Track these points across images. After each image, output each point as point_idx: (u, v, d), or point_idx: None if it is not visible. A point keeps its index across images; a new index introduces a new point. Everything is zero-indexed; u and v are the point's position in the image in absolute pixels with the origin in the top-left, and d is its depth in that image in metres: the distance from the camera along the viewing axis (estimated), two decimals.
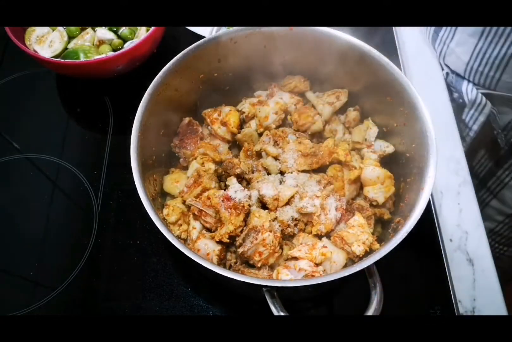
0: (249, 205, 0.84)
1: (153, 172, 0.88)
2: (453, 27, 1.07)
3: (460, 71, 1.14)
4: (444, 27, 1.11)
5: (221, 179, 0.93)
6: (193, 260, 0.68)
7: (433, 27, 1.17)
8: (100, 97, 1.20)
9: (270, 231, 0.80)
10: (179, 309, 0.91)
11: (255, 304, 0.86)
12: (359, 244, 0.78)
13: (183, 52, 0.89)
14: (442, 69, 1.22)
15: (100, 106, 1.18)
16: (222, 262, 0.85)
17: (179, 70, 0.89)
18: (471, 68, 1.09)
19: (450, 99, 1.19)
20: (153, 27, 1.09)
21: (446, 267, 0.95)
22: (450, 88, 1.21)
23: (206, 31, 1.17)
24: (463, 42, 1.07)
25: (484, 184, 1.38)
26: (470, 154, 1.14)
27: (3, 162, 1.11)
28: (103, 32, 1.17)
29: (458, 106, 1.19)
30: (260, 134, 0.97)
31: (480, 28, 1.00)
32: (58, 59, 1.09)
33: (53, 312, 0.92)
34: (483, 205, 1.40)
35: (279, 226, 0.83)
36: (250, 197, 0.85)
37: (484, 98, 1.11)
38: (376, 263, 0.68)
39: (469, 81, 1.14)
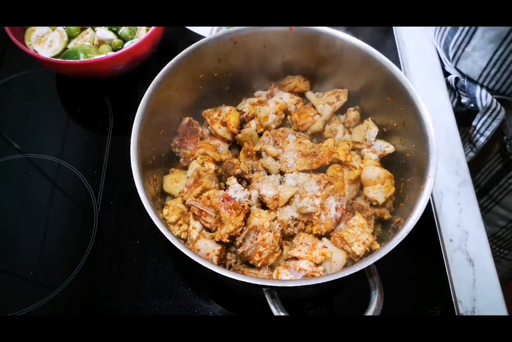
0: (249, 205, 0.84)
1: (153, 172, 0.88)
2: (470, 32, 1.04)
3: (474, 76, 1.11)
4: (459, 31, 1.09)
5: (221, 179, 0.93)
6: (193, 260, 0.68)
7: (447, 30, 1.15)
8: (100, 97, 1.20)
9: (270, 231, 0.80)
10: (179, 309, 0.91)
11: (255, 304, 0.86)
12: (359, 244, 0.78)
13: (183, 52, 0.89)
14: (443, 66, 1.21)
15: (100, 106, 1.18)
16: (222, 262, 0.85)
17: (179, 70, 0.89)
18: (487, 73, 1.06)
19: (451, 101, 1.19)
20: (153, 27, 1.09)
21: (446, 267, 0.95)
22: (458, 92, 1.18)
23: (206, 31, 1.17)
24: (480, 47, 1.04)
25: (487, 190, 1.36)
26: (480, 159, 1.11)
27: (3, 162, 1.11)
28: (103, 32, 1.17)
29: (469, 111, 1.16)
30: (260, 134, 0.97)
31: (501, 35, 0.97)
32: (58, 59, 1.09)
33: (53, 312, 0.92)
34: (485, 210, 1.39)
35: (279, 226, 0.83)
36: (250, 197, 0.85)
37: (499, 104, 1.09)
38: (376, 263, 0.68)
39: (482, 86, 1.11)
